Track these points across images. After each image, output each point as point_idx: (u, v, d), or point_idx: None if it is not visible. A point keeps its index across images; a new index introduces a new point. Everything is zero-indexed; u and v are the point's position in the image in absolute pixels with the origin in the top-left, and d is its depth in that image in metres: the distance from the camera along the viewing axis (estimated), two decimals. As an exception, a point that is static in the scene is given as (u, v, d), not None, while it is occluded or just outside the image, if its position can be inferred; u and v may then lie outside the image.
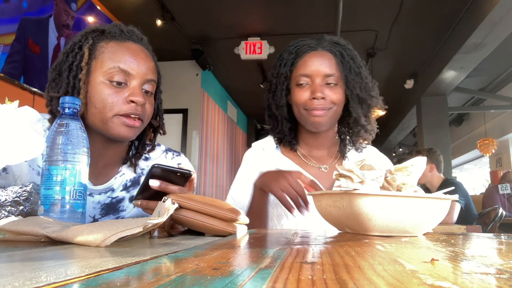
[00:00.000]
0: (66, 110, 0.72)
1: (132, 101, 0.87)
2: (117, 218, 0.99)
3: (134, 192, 1.01)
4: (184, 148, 5.03)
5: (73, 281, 0.25)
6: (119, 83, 0.87)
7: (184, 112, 5.15)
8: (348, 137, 1.20)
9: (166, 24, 4.17)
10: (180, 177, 0.77)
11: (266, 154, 1.18)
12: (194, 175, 0.82)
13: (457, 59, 4.58)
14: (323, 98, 1.07)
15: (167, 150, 1.11)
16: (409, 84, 5.81)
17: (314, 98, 1.07)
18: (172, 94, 5.03)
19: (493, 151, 6.75)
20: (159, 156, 1.08)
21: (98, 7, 3.58)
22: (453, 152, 7.96)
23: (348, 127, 1.19)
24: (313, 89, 1.08)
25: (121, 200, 1.00)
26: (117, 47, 0.89)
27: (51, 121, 0.93)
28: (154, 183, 0.74)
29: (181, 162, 1.10)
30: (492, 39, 4.06)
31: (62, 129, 0.70)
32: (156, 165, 0.73)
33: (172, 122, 5.03)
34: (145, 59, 0.92)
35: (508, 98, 6.23)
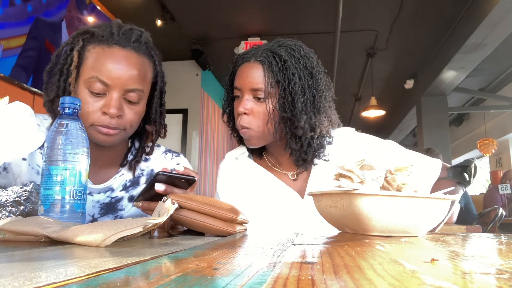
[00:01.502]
0: (66, 110, 0.72)
1: (106, 113, 0.86)
2: (116, 216, 1.00)
3: (134, 191, 1.02)
4: (184, 148, 5.03)
5: (73, 281, 0.25)
6: (97, 93, 0.86)
7: (184, 112, 5.15)
8: (299, 151, 1.06)
9: (166, 24, 4.18)
10: (184, 183, 0.77)
11: (239, 163, 1.17)
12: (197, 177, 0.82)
13: (457, 59, 4.58)
14: (245, 113, 1.01)
15: (167, 151, 1.11)
16: (409, 84, 5.81)
17: (238, 114, 1.03)
18: (172, 94, 5.01)
19: (493, 151, 6.75)
20: (159, 157, 1.08)
21: (98, 7, 3.58)
22: (453, 152, 7.96)
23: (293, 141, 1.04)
24: (238, 104, 1.03)
25: (120, 199, 1.00)
26: (101, 54, 0.87)
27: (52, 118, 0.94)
28: (159, 187, 0.73)
29: (180, 162, 1.10)
30: (492, 39, 4.06)
31: (62, 129, 0.70)
32: (161, 173, 0.72)
33: (172, 122, 5.03)
34: (129, 67, 0.87)
35: (508, 98, 6.23)
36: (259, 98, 1.01)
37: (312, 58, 1.05)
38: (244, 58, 1.05)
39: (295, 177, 1.12)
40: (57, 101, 0.88)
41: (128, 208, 1.01)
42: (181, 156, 1.14)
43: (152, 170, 1.06)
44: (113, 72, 0.85)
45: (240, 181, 1.14)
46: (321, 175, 1.08)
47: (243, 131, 1.04)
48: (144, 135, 1.03)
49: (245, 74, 1.02)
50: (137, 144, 1.05)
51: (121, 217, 1.00)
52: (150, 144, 1.05)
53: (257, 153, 1.17)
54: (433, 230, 1.15)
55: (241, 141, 1.17)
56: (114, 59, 0.86)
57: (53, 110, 0.91)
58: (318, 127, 1.03)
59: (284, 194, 1.08)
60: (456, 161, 9.41)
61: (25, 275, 0.27)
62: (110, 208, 0.99)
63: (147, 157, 1.06)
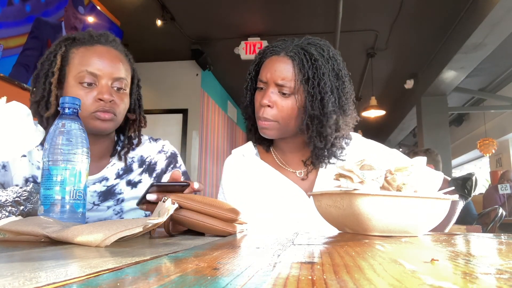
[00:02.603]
0: (66, 110, 0.72)
1: (101, 99, 0.95)
2: (118, 200, 1.06)
3: (129, 177, 1.09)
4: (184, 148, 5.03)
5: (73, 281, 0.25)
6: (89, 84, 0.95)
7: (184, 112, 5.14)
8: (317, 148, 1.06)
9: (166, 24, 4.17)
10: (178, 188, 0.79)
11: (246, 160, 1.17)
12: (198, 186, 0.82)
13: (457, 59, 4.58)
14: (269, 106, 1.01)
15: (150, 138, 1.19)
16: (409, 84, 5.81)
17: (261, 106, 1.03)
18: (172, 94, 5.03)
19: (493, 151, 6.74)
20: (144, 143, 1.16)
21: (98, 7, 3.58)
22: (453, 152, 7.95)
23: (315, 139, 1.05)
24: (262, 95, 1.04)
25: (115, 185, 1.07)
26: (85, 52, 0.97)
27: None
28: (151, 197, 0.76)
29: (165, 144, 1.19)
30: (492, 39, 4.06)
31: (62, 129, 0.70)
32: (155, 183, 0.75)
33: (172, 122, 5.03)
34: (112, 59, 0.98)
35: (508, 98, 6.23)
36: (284, 93, 1.01)
37: (339, 60, 1.06)
38: (273, 51, 1.05)
39: (302, 175, 1.12)
40: (43, 102, 0.97)
41: (127, 191, 1.08)
42: (162, 139, 1.21)
43: (141, 156, 1.13)
44: (100, 64, 0.96)
45: (247, 178, 1.14)
46: (329, 175, 1.08)
47: (264, 123, 1.04)
48: (126, 128, 1.11)
49: (273, 67, 1.03)
50: (122, 137, 1.13)
51: (122, 200, 1.07)
52: (135, 134, 1.13)
53: (265, 149, 1.18)
54: (442, 229, 1.14)
55: (250, 132, 1.17)
56: (98, 54, 0.98)
57: (38, 111, 0.99)
58: (343, 128, 1.05)
59: (290, 192, 1.09)
60: (456, 161, 9.43)
61: (25, 275, 0.27)
62: (108, 194, 1.05)
63: (134, 147, 1.13)
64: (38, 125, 0.98)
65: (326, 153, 1.07)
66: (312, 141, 1.05)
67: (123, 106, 1.00)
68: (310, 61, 1.00)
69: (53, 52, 0.99)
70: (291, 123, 1.03)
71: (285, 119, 1.02)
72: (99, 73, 0.95)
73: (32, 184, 0.74)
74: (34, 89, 1.01)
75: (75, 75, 0.95)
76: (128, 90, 1.04)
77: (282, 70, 1.01)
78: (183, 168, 1.18)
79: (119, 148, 1.10)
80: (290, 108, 1.01)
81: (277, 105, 1.02)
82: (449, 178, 1.14)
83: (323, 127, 1.02)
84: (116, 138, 1.13)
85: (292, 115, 1.02)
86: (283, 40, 1.08)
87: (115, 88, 0.99)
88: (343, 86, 1.04)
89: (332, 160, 1.10)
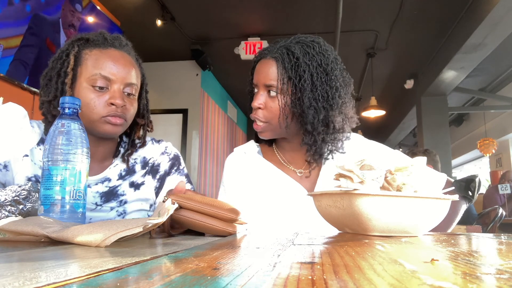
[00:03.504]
0: (66, 110, 0.72)
1: (112, 104, 0.95)
2: (121, 201, 1.05)
3: (131, 179, 1.08)
4: (184, 148, 5.03)
5: (73, 281, 0.25)
6: (101, 88, 0.95)
7: (184, 112, 5.14)
8: (313, 146, 1.07)
9: (166, 24, 4.17)
10: None
11: (248, 158, 1.18)
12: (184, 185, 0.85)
13: (457, 59, 4.58)
14: (259, 108, 1.05)
15: (152, 139, 1.20)
16: (409, 84, 5.81)
17: (253, 108, 1.07)
18: (172, 94, 5.03)
19: (493, 151, 6.74)
20: (147, 144, 1.16)
21: (98, 7, 3.58)
22: (453, 152, 7.95)
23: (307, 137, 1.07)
24: (254, 98, 1.07)
25: (118, 186, 1.07)
26: (99, 55, 0.97)
27: (44, 122, 1.00)
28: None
29: (167, 145, 1.19)
30: (492, 39, 4.06)
31: (62, 129, 0.70)
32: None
33: (172, 122, 5.03)
34: (125, 65, 0.99)
35: (508, 98, 6.23)
36: (272, 94, 1.04)
37: (328, 55, 1.06)
38: (262, 54, 1.09)
39: (302, 174, 1.13)
40: (55, 102, 0.95)
41: (130, 193, 1.08)
42: (164, 141, 1.22)
43: (144, 157, 1.13)
44: (114, 68, 0.96)
45: (248, 176, 1.15)
46: (331, 174, 1.08)
47: (256, 125, 1.07)
48: (132, 130, 1.11)
49: (260, 70, 1.07)
50: (125, 138, 1.13)
51: (125, 202, 1.06)
52: (140, 137, 1.13)
53: (268, 148, 1.19)
54: (444, 230, 1.14)
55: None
56: (112, 58, 0.97)
57: (50, 111, 0.97)
58: (332, 123, 1.05)
59: (292, 190, 1.09)
60: (456, 161, 9.43)
61: (25, 275, 0.27)
62: (111, 195, 1.05)
63: (137, 148, 1.14)
64: (35, 126, 0.99)
65: (320, 149, 1.07)
66: (303, 139, 1.07)
67: (132, 111, 1.01)
68: (293, 60, 1.02)
69: (66, 52, 0.98)
70: (279, 122, 1.05)
71: (275, 119, 1.05)
72: (112, 77, 0.96)
73: (30, 182, 0.74)
74: (45, 88, 0.99)
75: (88, 78, 0.95)
76: (137, 95, 1.05)
77: (268, 72, 1.04)
78: (185, 170, 1.19)
79: (122, 150, 1.10)
80: (278, 108, 1.04)
81: (267, 107, 1.05)
82: (452, 180, 1.14)
83: (306, 124, 1.03)
84: (119, 139, 1.13)
85: (280, 114, 1.04)
86: (276, 42, 1.10)
87: (126, 93, 0.99)
88: (331, 81, 1.04)
89: (331, 156, 1.11)
